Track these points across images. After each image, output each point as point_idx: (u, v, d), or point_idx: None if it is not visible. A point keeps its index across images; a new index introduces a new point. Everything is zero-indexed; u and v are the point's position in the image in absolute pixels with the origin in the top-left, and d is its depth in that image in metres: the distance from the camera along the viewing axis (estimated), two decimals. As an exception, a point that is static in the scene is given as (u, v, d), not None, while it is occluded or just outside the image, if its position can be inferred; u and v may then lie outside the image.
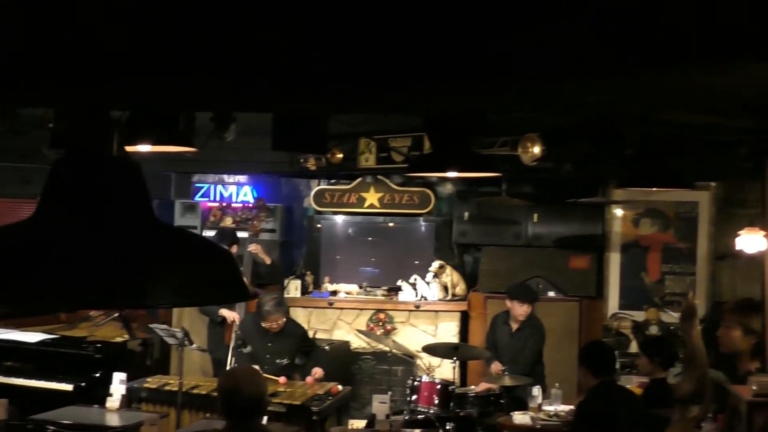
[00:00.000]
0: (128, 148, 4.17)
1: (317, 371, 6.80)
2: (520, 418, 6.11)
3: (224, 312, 7.61)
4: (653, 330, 7.95)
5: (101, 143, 1.31)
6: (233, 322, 7.48)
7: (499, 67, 2.62)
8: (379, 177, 8.84)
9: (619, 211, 8.60)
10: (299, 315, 8.62)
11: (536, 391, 6.50)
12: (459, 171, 4.27)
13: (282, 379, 6.61)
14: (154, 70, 2.58)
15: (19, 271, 1.16)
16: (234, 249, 7.65)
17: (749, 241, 4.64)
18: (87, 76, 1.91)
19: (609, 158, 5.48)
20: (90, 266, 1.16)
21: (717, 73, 2.49)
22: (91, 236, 1.19)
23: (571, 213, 8.63)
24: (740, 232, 4.74)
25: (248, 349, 6.58)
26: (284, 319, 6.93)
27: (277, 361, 6.87)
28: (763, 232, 3.81)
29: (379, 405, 5.91)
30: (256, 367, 6.48)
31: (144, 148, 4.01)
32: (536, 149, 6.48)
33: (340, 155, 7.99)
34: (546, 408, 6.34)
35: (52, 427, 5.33)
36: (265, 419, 5.88)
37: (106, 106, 1.79)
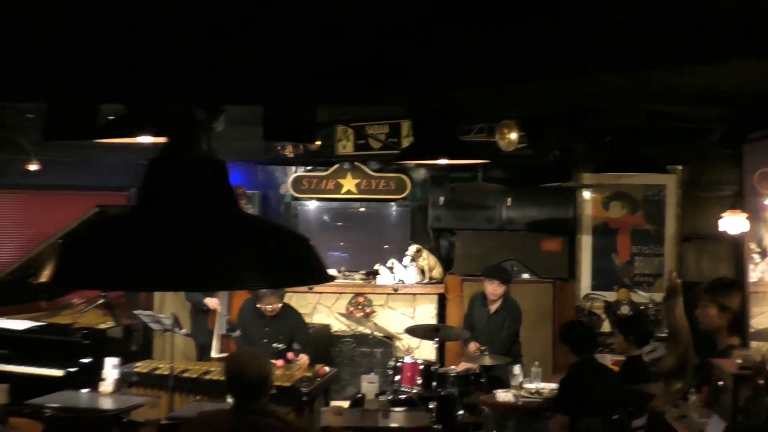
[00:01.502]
0: (129, 140, 4.29)
1: (303, 358, 6.92)
2: (502, 395, 6.32)
3: (208, 301, 7.73)
4: (624, 310, 8.21)
5: (190, 144, 1.46)
6: (215, 309, 7.63)
7: (495, 66, 2.80)
8: (356, 164, 8.99)
9: (589, 195, 8.84)
10: (279, 300, 8.78)
11: (517, 369, 6.72)
12: (447, 158, 4.45)
13: (279, 362, 6.74)
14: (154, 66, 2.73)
15: (123, 261, 1.32)
16: None
17: (732, 223, 4.86)
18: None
19: (585, 144, 5.68)
20: (185, 254, 1.32)
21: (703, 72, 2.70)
22: (185, 227, 1.34)
23: (542, 197, 8.87)
24: (723, 215, 4.96)
25: (237, 333, 6.72)
26: (279, 304, 7.01)
27: (273, 345, 6.97)
28: (745, 214, 4.03)
29: (368, 385, 6.09)
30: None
31: (145, 139, 4.12)
32: (513, 135, 6.68)
33: (318, 142, 8.12)
34: (527, 386, 6.55)
35: (49, 411, 5.44)
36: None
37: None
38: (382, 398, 6.68)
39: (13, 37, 2.63)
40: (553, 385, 6.53)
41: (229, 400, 5.86)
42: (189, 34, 2.63)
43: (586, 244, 8.86)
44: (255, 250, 1.34)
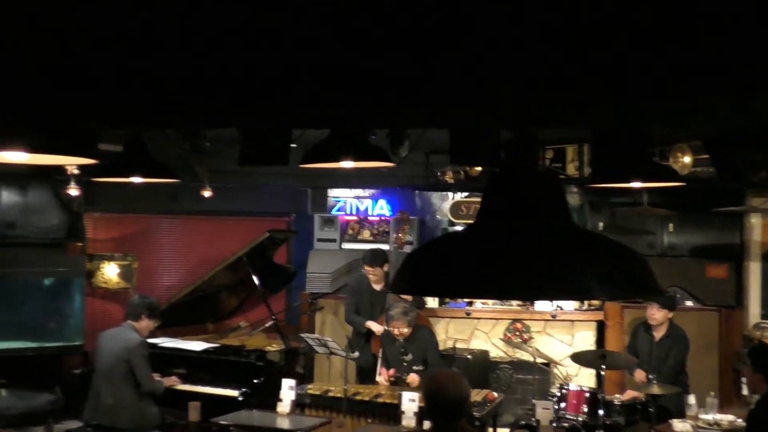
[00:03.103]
0: (332, 165, 4.42)
1: (412, 376, 6.86)
2: (679, 426, 6.15)
3: (370, 324, 7.81)
4: (798, 340, 7.88)
5: (528, 161, 1.51)
6: (378, 333, 7.70)
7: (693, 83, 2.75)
8: (516, 189, 8.93)
9: (758, 219, 8.54)
10: (437, 325, 8.81)
11: (692, 399, 6.53)
12: (641, 181, 4.39)
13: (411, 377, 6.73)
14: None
15: (470, 270, 1.37)
16: (385, 267, 7.83)
17: None
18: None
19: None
20: (537, 263, 1.36)
21: None
22: (526, 238, 1.39)
23: (707, 222, 8.63)
24: None
25: (409, 356, 6.77)
26: (407, 329, 6.96)
27: (414, 367, 6.99)
28: None
29: (543, 411, 6.03)
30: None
31: (347, 164, 4.25)
32: (687, 159, 6.55)
33: (479, 168, 8.15)
34: (703, 416, 6.35)
35: (234, 429, 5.61)
36: (426, 423, 6.07)
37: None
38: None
39: (214, 67, 2.76)
40: (732, 417, 6.32)
41: (405, 423, 5.95)
42: (384, 62, 2.71)
43: (754, 270, 8.54)
44: (597, 262, 1.37)
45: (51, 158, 2.59)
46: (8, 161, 2.53)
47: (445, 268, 1.39)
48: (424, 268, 1.46)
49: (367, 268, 7.88)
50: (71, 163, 2.38)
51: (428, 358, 7.09)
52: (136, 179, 4.76)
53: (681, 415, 6.63)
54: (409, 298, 7.64)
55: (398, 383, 6.73)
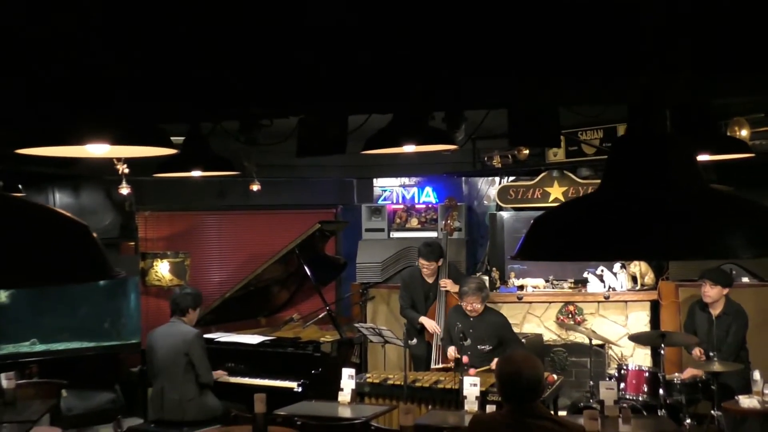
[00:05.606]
0: (394, 150, 4.40)
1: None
2: (746, 402, 6.08)
3: (424, 320, 7.75)
4: None
5: (657, 125, 1.48)
6: (433, 332, 7.67)
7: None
8: (565, 171, 8.84)
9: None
10: (489, 310, 8.77)
11: (757, 375, 6.43)
12: (711, 154, 4.32)
13: (472, 371, 6.64)
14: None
15: (608, 232, 1.34)
16: (440, 262, 7.75)
17: None
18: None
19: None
20: (668, 224, 1.33)
21: None
22: (663, 200, 1.36)
23: (764, 196, 8.46)
24: None
25: (468, 342, 6.71)
26: (480, 305, 6.95)
27: (479, 347, 6.94)
28: None
29: (607, 391, 5.96)
30: None
31: (409, 148, 4.22)
32: (744, 132, 6.46)
33: (527, 151, 8.08)
34: (768, 392, 6.27)
35: (300, 420, 5.61)
36: (488, 407, 6.03)
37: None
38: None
39: (281, 57, 2.74)
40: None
41: (468, 407, 5.92)
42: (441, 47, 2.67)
43: (812, 243, 8.38)
44: (740, 221, 1.33)
45: (133, 150, 2.59)
46: (91, 155, 2.53)
47: (579, 231, 1.36)
48: (554, 233, 1.44)
49: (422, 262, 7.77)
50: (152, 154, 2.38)
51: (504, 338, 7.01)
52: (197, 173, 4.75)
53: (744, 391, 6.55)
54: (455, 288, 7.59)
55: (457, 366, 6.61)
